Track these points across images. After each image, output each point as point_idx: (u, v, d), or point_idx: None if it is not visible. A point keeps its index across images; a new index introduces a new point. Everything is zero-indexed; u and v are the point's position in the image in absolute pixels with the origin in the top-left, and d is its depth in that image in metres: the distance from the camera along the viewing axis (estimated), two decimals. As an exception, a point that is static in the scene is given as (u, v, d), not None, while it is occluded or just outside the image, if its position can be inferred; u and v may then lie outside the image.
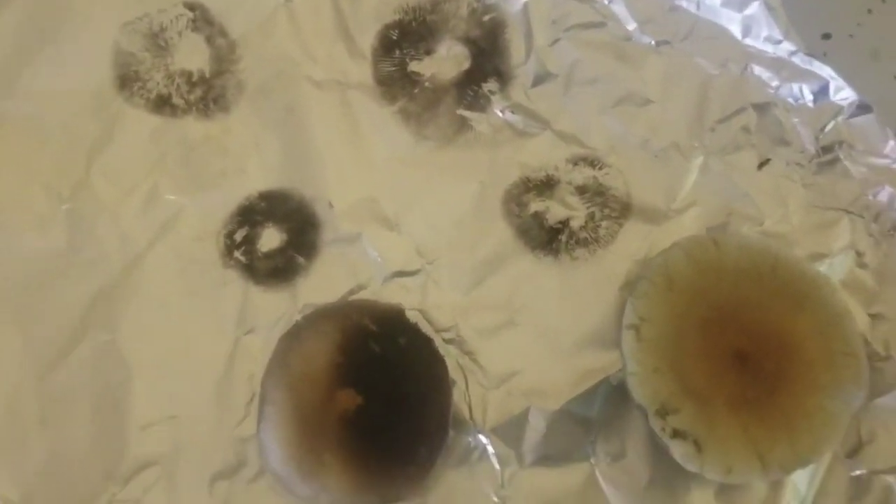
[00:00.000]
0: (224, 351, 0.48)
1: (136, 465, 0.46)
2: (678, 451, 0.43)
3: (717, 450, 0.43)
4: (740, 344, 0.45)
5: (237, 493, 0.46)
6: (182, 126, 0.52)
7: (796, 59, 0.52)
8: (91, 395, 0.47)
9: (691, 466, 0.43)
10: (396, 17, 0.54)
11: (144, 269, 0.49)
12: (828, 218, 0.50)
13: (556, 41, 0.53)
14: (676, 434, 0.43)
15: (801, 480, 0.47)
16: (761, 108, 0.52)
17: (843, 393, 0.44)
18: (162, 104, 0.52)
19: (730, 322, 0.45)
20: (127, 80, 0.52)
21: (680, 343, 0.44)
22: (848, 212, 0.50)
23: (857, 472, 0.47)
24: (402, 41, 0.53)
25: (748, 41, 0.53)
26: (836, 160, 0.51)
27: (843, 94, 0.51)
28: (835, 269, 0.50)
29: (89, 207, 0.50)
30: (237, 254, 0.50)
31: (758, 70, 0.52)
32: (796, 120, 0.51)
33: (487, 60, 0.53)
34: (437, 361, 0.46)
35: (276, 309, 0.49)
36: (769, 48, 0.52)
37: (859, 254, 0.50)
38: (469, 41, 0.53)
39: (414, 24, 0.54)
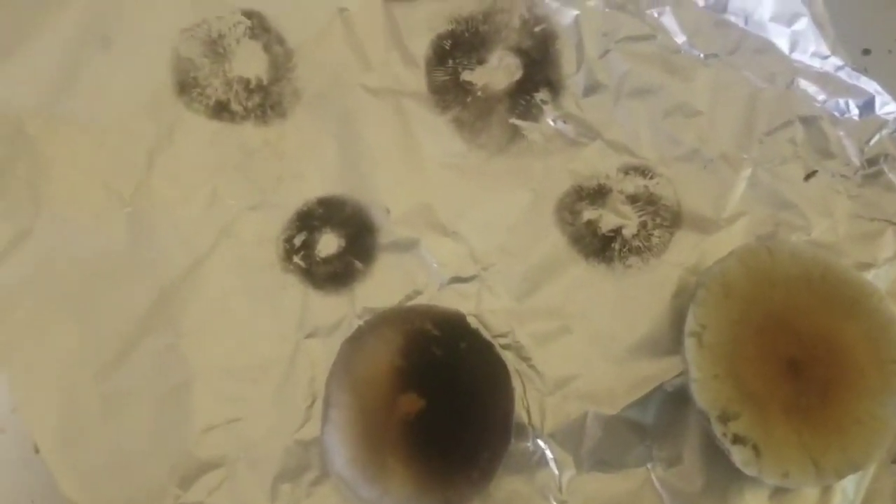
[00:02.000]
0: (285, 354, 0.49)
1: (200, 467, 0.47)
2: (738, 456, 0.44)
3: (775, 455, 0.44)
4: (793, 351, 0.46)
5: (300, 496, 0.47)
6: (240, 132, 0.52)
7: (842, 74, 0.53)
8: (152, 397, 0.48)
9: (750, 471, 0.44)
10: (449, 27, 0.55)
11: (205, 272, 0.50)
12: (873, 229, 0.51)
13: (606, 52, 0.54)
14: (737, 439, 0.44)
15: (849, 485, 0.48)
16: (808, 121, 0.53)
17: (892, 399, 0.45)
18: (220, 110, 0.52)
19: (783, 329, 0.46)
20: (186, 86, 0.52)
21: (737, 350, 0.45)
22: (892, 223, 0.51)
23: (904, 477, 0.48)
24: (454, 51, 0.54)
25: (795, 55, 0.54)
26: (880, 172, 0.52)
27: (888, 108, 0.52)
28: (880, 278, 0.51)
29: (150, 209, 0.50)
30: (296, 258, 0.50)
31: (804, 84, 0.53)
32: (842, 133, 0.52)
33: (539, 71, 0.54)
34: (498, 366, 0.47)
35: (335, 313, 0.50)
36: (816, 63, 0.53)
37: (904, 264, 0.51)
38: (521, 51, 0.54)
39: (466, 34, 0.55)
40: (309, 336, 0.49)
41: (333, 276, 0.50)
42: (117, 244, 0.50)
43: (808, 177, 0.52)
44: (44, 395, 0.48)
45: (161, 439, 0.47)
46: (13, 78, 0.52)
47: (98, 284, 0.49)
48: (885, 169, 0.52)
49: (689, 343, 0.45)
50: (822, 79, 0.53)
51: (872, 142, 0.52)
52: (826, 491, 0.48)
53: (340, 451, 0.45)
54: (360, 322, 0.49)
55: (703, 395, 0.44)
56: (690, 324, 0.46)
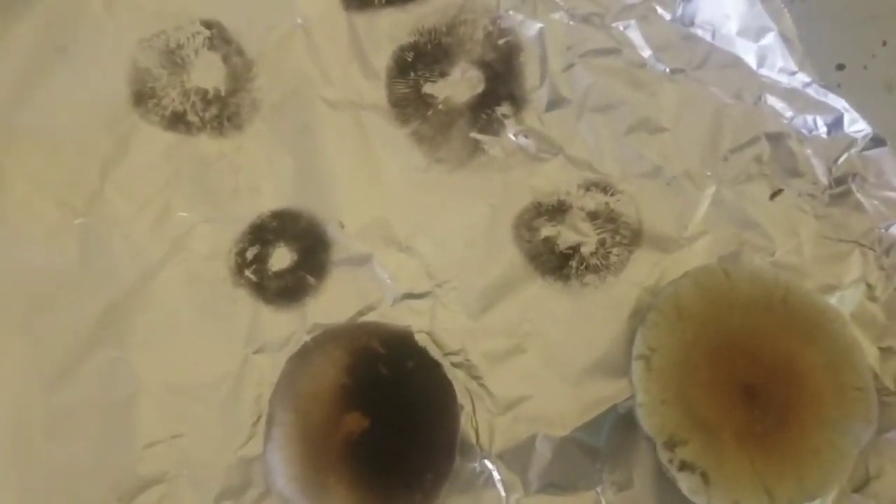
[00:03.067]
0: (232, 370, 0.48)
1: (142, 483, 0.46)
2: (685, 483, 0.43)
3: (725, 483, 0.43)
4: (749, 376, 0.45)
5: (242, 514, 0.46)
6: (196, 143, 0.52)
7: (811, 91, 0.52)
8: (98, 412, 0.47)
9: (698, 499, 0.43)
10: (412, 38, 0.54)
11: (155, 286, 0.49)
12: (839, 250, 0.50)
13: (570, 66, 0.53)
14: (684, 466, 0.43)
15: (807, 515, 0.47)
16: (775, 138, 0.51)
17: (852, 428, 0.44)
18: (177, 121, 0.52)
19: (739, 353, 0.45)
20: (142, 97, 0.52)
21: (689, 374, 0.44)
22: (859, 244, 0.50)
23: (865, 508, 0.47)
24: (416, 63, 0.54)
25: (763, 71, 0.53)
26: (848, 192, 0.51)
27: (857, 126, 0.51)
28: (845, 301, 0.49)
29: (102, 222, 0.50)
30: (248, 272, 0.50)
31: (772, 100, 0.52)
32: (809, 151, 0.51)
33: (502, 84, 0.53)
34: (445, 387, 0.46)
35: (286, 328, 0.49)
36: (784, 79, 0.52)
37: (870, 287, 0.49)
38: (484, 64, 0.54)
39: (429, 46, 0.54)
40: (257, 352, 0.48)
41: (285, 290, 0.50)
42: (68, 257, 0.50)
43: (773, 195, 0.51)
44: (-10, 406, 0.47)
45: (104, 455, 0.47)
46: (-32, 88, 0.52)
47: (48, 297, 0.49)
48: (853, 188, 0.51)
49: (637, 366, 0.44)
50: (790, 95, 0.52)
51: (840, 160, 0.51)
52: (782, 521, 0.46)
53: (282, 470, 0.44)
54: (310, 338, 0.48)
55: (650, 421, 0.43)
56: (639, 347, 0.45)
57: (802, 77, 0.52)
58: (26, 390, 0.48)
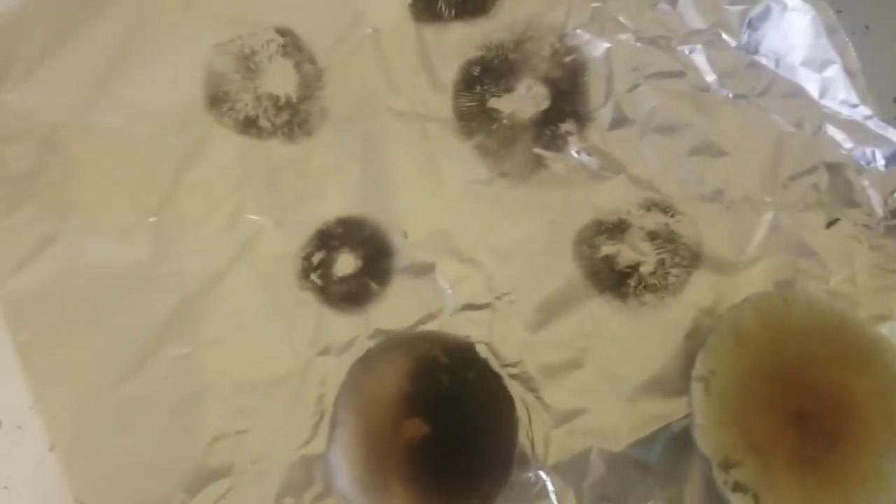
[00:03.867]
0: (296, 370, 0.49)
1: (207, 476, 0.48)
2: (738, 504, 0.44)
3: (776, 505, 0.44)
4: (803, 402, 0.45)
5: (303, 511, 0.47)
6: (267, 148, 0.53)
7: (871, 124, 0.53)
8: (166, 405, 0.49)
9: (750, 520, 0.44)
10: (479, 53, 0.55)
11: (224, 286, 0.51)
12: (893, 281, 0.51)
13: (635, 87, 0.54)
14: (737, 487, 0.44)
15: (852, 539, 0.48)
16: (833, 168, 0.52)
17: (899, 457, 0.45)
18: (249, 125, 0.53)
19: (794, 379, 0.46)
20: (217, 100, 0.53)
21: (745, 398, 0.45)
22: (913, 276, 0.51)
23: (908, 535, 0.48)
24: (483, 77, 0.55)
25: (825, 102, 0.53)
26: (903, 225, 0.52)
27: (915, 160, 0.52)
28: (897, 332, 0.50)
29: (174, 221, 0.52)
30: (313, 276, 0.51)
31: (832, 131, 0.53)
32: (867, 182, 0.52)
33: (566, 101, 0.54)
34: (504, 397, 0.47)
35: (348, 332, 0.50)
36: (845, 111, 0.53)
37: (922, 319, 0.50)
38: (549, 81, 0.55)
39: (496, 61, 0.55)
40: (321, 353, 0.50)
41: (349, 295, 0.51)
42: (140, 253, 0.51)
43: (829, 224, 0.52)
44: (61, 395, 0.49)
45: (171, 447, 0.48)
46: (49, 86, 0.53)
47: (120, 292, 0.50)
48: (909, 221, 0.51)
49: (696, 388, 0.45)
50: (850, 127, 0.53)
51: (897, 193, 0.52)
52: (828, 544, 0.47)
53: (344, 471, 0.46)
54: (372, 343, 0.50)
55: (706, 442, 0.44)
56: (698, 369, 0.46)
57: (864, 110, 0.53)
58: (96, 383, 0.49)
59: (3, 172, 0.52)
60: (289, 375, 0.49)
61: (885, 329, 0.50)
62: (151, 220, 0.51)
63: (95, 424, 0.48)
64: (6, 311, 0.50)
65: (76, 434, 0.48)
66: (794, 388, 0.46)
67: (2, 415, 0.50)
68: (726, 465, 0.44)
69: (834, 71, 0.53)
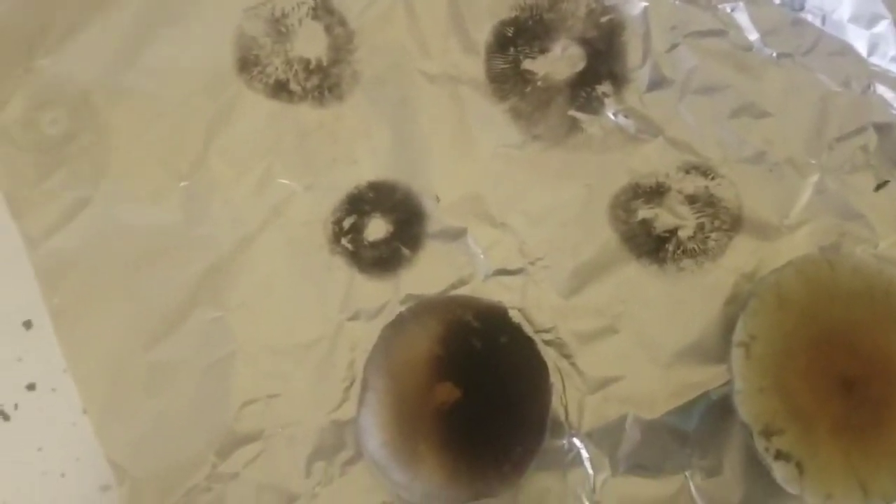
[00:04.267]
0: (327, 334, 0.49)
1: (237, 439, 0.48)
2: (780, 472, 0.42)
3: (819, 474, 0.43)
4: (848, 368, 0.44)
5: (333, 475, 0.47)
6: (297, 112, 0.52)
7: (923, 81, 0.51)
8: (197, 368, 0.49)
9: (792, 489, 0.43)
10: (513, 13, 0.54)
11: (254, 250, 0.50)
12: (944, 245, 0.49)
13: (674, 47, 0.52)
14: (780, 455, 0.43)
15: (899, 511, 0.46)
16: (883, 128, 0.50)
17: (950, 426, 0.43)
18: (279, 89, 0.53)
19: (839, 345, 0.44)
20: (247, 64, 0.53)
21: (788, 363, 0.44)
22: (965, 240, 0.49)
23: (958, 508, 0.46)
24: (516, 38, 0.53)
25: (874, 59, 0.51)
26: (957, 187, 0.49)
27: (969, 119, 0.50)
28: (948, 298, 0.48)
29: (205, 185, 0.51)
30: (344, 241, 0.50)
31: (881, 90, 0.51)
32: (918, 143, 0.50)
33: (602, 62, 0.53)
34: (538, 363, 0.46)
35: (379, 297, 0.50)
36: (895, 68, 0.51)
37: (976, 284, 0.48)
38: (585, 42, 0.53)
39: (530, 21, 0.54)
40: (351, 318, 0.49)
41: (380, 260, 0.50)
42: (172, 217, 0.51)
43: (878, 187, 0.50)
44: (94, 359, 0.49)
45: (202, 410, 0.48)
46: (81, 50, 0.53)
47: (151, 255, 0.50)
48: (962, 183, 0.49)
49: (736, 353, 0.44)
50: (901, 85, 0.51)
51: (950, 154, 0.50)
52: (873, 515, 0.46)
53: (374, 434, 0.45)
54: (403, 308, 0.49)
55: (747, 408, 0.43)
56: (739, 334, 0.44)
57: (916, 67, 0.51)
58: (128, 346, 0.49)
59: (37, 138, 0.52)
60: (319, 340, 0.49)
61: (936, 295, 0.48)
62: (182, 184, 0.51)
63: (127, 387, 0.49)
64: (40, 275, 0.50)
65: (108, 397, 0.48)
66: (840, 353, 0.44)
67: (36, 378, 0.50)
68: (768, 433, 0.43)
69: (884, 26, 0.51)
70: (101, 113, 0.52)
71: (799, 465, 0.42)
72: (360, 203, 0.51)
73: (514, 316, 0.48)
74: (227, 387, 0.48)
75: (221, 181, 0.51)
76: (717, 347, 0.47)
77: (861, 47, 0.51)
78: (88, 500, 0.48)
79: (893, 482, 0.43)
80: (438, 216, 0.51)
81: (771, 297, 0.45)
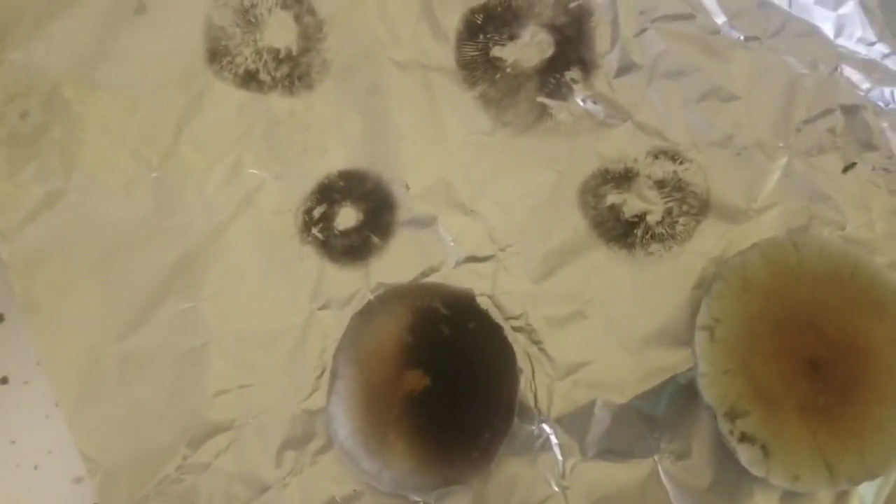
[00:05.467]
0: (298, 324, 0.49)
1: (209, 429, 0.48)
2: (745, 455, 0.43)
3: (785, 456, 0.43)
4: (815, 350, 0.44)
5: (304, 464, 0.47)
6: (267, 102, 0.53)
7: (889, 62, 0.50)
8: (168, 359, 0.49)
9: (757, 471, 0.43)
10: (482, 0, 0.54)
11: (225, 240, 0.51)
12: (912, 226, 0.49)
13: (642, 31, 0.52)
14: (744, 438, 0.43)
15: (868, 493, 0.46)
16: (850, 110, 0.50)
17: (917, 406, 0.43)
18: (249, 79, 0.53)
19: (805, 327, 0.45)
20: (217, 54, 0.53)
21: (753, 345, 0.44)
22: (934, 220, 0.49)
23: (927, 488, 0.46)
24: (486, 25, 0.53)
25: (840, 41, 0.51)
26: (924, 168, 0.49)
27: (936, 100, 0.50)
28: (916, 279, 0.48)
29: (176, 176, 0.51)
30: (314, 230, 0.51)
31: (848, 71, 0.51)
32: (885, 124, 0.50)
33: (571, 48, 0.53)
34: (505, 349, 0.47)
35: (350, 286, 0.50)
36: (862, 49, 0.51)
37: (943, 265, 0.48)
38: (554, 28, 0.53)
39: (499, 8, 0.54)
40: (322, 308, 0.49)
41: (350, 249, 0.50)
42: (143, 208, 0.51)
43: (846, 169, 0.50)
44: (67, 350, 0.49)
45: (174, 400, 0.48)
46: (53, 43, 0.53)
47: (124, 246, 0.51)
48: (931, 163, 0.49)
49: (700, 336, 0.44)
50: (868, 66, 0.51)
51: (918, 134, 0.50)
52: (841, 497, 0.46)
53: (344, 423, 0.46)
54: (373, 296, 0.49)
55: (711, 391, 0.43)
56: (703, 317, 0.44)
57: (881, 48, 0.51)
58: (102, 336, 0.49)
59: (9, 131, 0.52)
60: (290, 329, 0.49)
61: (903, 276, 0.48)
62: (153, 175, 0.51)
63: (100, 379, 0.49)
64: (12, 268, 0.50)
65: (81, 389, 0.49)
66: (806, 335, 0.44)
67: (8, 371, 0.51)
68: (732, 415, 0.43)
69: (850, 7, 0.51)
70: (72, 105, 0.53)
71: (764, 448, 0.43)
72: (331, 192, 0.51)
73: (484, 303, 0.48)
74: (199, 377, 0.49)
75: (192, 172, 0.51)
76: (686, 331, 0.47)
77: (828, 29, 0.51)
78: (62, 492, 0.49)
79: (860, 463, 0.43)
80: (409, 204, 0.51)
81: (736, 279, 0.45)
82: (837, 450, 0.43)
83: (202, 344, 0.49)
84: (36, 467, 0.49)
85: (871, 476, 0.43)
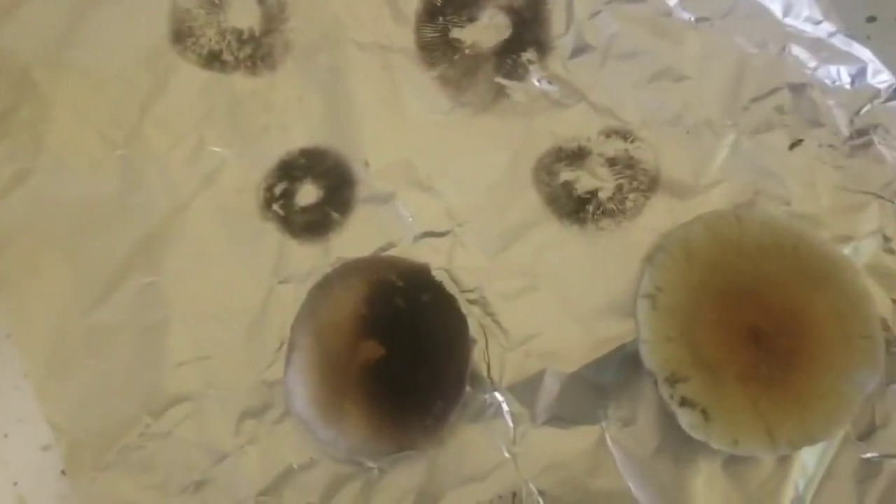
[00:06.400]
0: (258, 298, 0.50)
1: (170, 399, 0.49)
2: (685, 419, 0.44)
3: (725, 421, 0.44)
4: (757, 320, 0.45)
5: (262, 433, 0.49)
6: (230, 82, 0.54)
7: (836, 41, 0.52)
8: (132, 332, 0.50)
9: (698, 435, 0.44)
10: (442, -17, 0.55)
11: (188, 217, 0.52)
12: (857, 201, 0.50)
13: (596, 13, 0.54)
14: (684, 402, 0.44)
15: (809, 459, 0.47)
16: (797, 88, 0.52)
17: (857, 375, 0.45)
18: (213, 60, 0.54)
19: (747, 297, 0.46)
20: (181, 35, 0.54)
21: (695, 315, 0.45)
22: (878, 196, 0.50)
23: (868, 455, 0.47)
24: (445, 8, 0.55)
25: (788, 20, 0.52)
26: (869, 144, 0.51)
27: (881, 77, 0.51)
28: (860, 252, 0.50)
29: (140, 155, 0.53)
30: (275, 207, 0.52)
31: (796, 50, 0.52)
32: (832, 102, 0.51)
33: (528, 30, 0.54)
34: (458, 319, 0.48)
35: (310, 261, 0.51)
36: (809, 28, 0.52)
37: (886, 238, 0.50)
38: (511, 10, 0.54)
39: (458, -9, 0.55)
40: (283, 282, 0.51)
41: (310, 225, 0.52)
42: (108, 187, 0.52)
43: (793, 146, 0.51)
44: (35, 324, 0.51)
45: (137, 371, 0.50)
46: (22, 26, 0.55)
47: (89, 224, 0.52)
48: (875, 140, 0.51)
49: (642, 304, 0.45)
50: (815, 45, 0.52)
51: (863, 111, 0.51)
52: (783, 463, 0.47)
53: (300, 393, 0.47)
54: (332, 270, 0.50)
55: (653, 357, 0.45)
56: (645, 286, 0.46)
57: (828, 26, 0.52)
58: (67, 310, 0.51)
59: (-22, 113, 0.54)
60: (251, 304, 0.51)
61: (847, 249, 0.50)
62: (119, 153, 0.53)
63: (67, 351, 0.50)
64: (-20, 245, 0.52)
65: (49, 360, 0.50)
66: (748, 305, 0.46)
67: (-23, 344, 0.52)
68: (673, 380, 0.44)
69: (799, -13, 0.52)
70: (40, 86, 0.54)
71: (704, 412, 0.44)
72: (292, 169, 0.53)
73: (440, 276, 0.50)
74: (161, 349, 0.50)
75: (156, 150, 0.53)
76: (634, 303, 0.48)
77: (776, 9, 0.53)
78: (30, 458, 0.50)
79: (800, 429, 0.44)
80: (368, 181, 0.52)
81: (678, 251, 0.46)
82: (778, 416, 0.44)
83: (164, 318, 0.50)
84: (6, 436, 0.51)
85: (811, 442, 0.44)
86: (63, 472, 0.49)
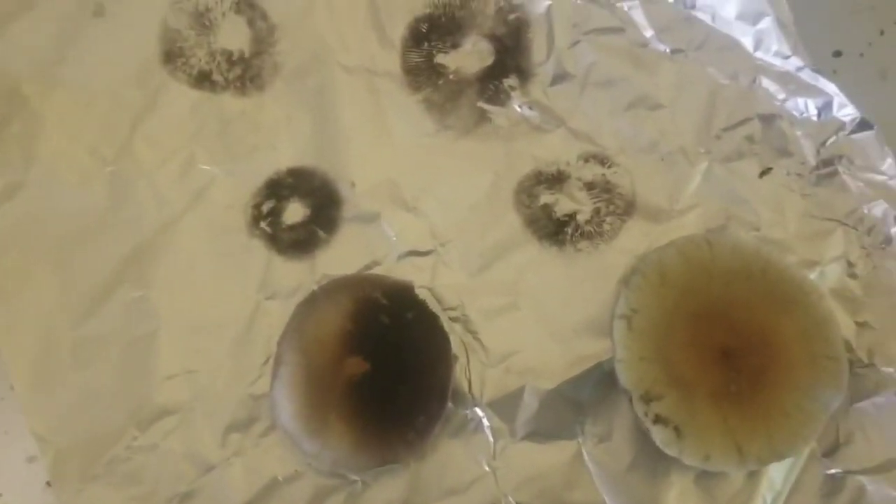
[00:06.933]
0: (245, 314, 0.52)
1: (157, 412, 0.50)
2: (659, 435, 0.46)
3: (697, 437, 0.46)
4: (727, 340, 0.47)
5: (248, 446, 0.50)
6: (220, 101, 0.55)
7: (803, 75, 0.54)
8: (120, 345, 0.51)
9: (671, 451, 0.46)
10: (427, 10, 0.57)
11: (177, 232, 0.53)
12: (823, 228, 0.52)
13: (576, 43, 0.55)
14: (658, 419, 0.46)
15: (777, 474, 0.49)
16: (767, 119, 0.54)
17: (822, 394, 0.47)
18: (203, 80, 0.55)
19: (718, 319, 0.48)
20: (172, 56, 0.55)
21: (669, 335, 0.47)
22: (843, 223, 0.52)
23: (833, 471, 0.49)
24: (430, 34, 0.56)
25: (759, 54, 0.55)
26: (835, 173, 0.53)
27: (846, 110, 0.53)
28: (826, 277, 0.52)
29: (130, 171, 0.54)
30: (263, 224, 0.53)
31: (766, 83, 0.54)
32: (799, 132, 0.53)
33: (510, 57, 0.56)
34: (441, 337, 0.49)
35: (296, 278, 0.52)
36: (778, 62, 0.54)
37: (850, 264, 0.52)
38: (494, 38, 0.56)
39: (443, 18, 0.57)
40: (269, 298, 0.52)
41: (297, 243, 0.53)
42: (98, 202, 0.53)
43: (762, 174, 0.53)
44: (23, 336, 0.51)
45: (124, 384, 0.50)
46: (14, 42, 0.55)
47: (79, 238, 0.53)
48: (840, 170, 0.53)
49: (619, 325, 0.47)
50: (784, 78, 0.54)
51: (829, 142, 0.53)
52: (752, 478, 0.49)
53: (286, 407, 0.48)
54: (318, 287, 0.52)
55: (628, 375, 0.46)
56: (621, 307, 0.47)
57: (796, 61, 0.54)
58: (56, 322, 0.51)
59: (-31, 127, 0.54)
60: (238, 319, 0.52)
61: (814, 274, 0.52)
62: (109, 169, 0.54)
63: (54, 363, 0.51)
64: (-30, 257, 0.52)
65: (36, 372, 0.51)
66: (719, 327, 0.48)
67: (-35, 356, 0.52)
68: (647, 398, 0.46)
69: (767, 23, 0.55)
70: (31, 102, 0.55)
71: (677, 429, 0.46)
72: (279, 188, 0.54)
73: (423, 294, 0.51)
74: (148, 362, 0.51)
75: (146, 167, 0.54)
76: (610, 323, 0.50)
77: (747, 43, 0.55)
78: (16, 470, 0.51)
79: (768, 445, 0.46)
80: (354, 201, 0.54)
81: (653, 274, 0.48)
82: (747, 433, 0.46)
83: (152, 331, 0.51)
84: (-10, 448, 0.51)
85: (779, 458, 0.46)
86: (48, 484, 0.50)
